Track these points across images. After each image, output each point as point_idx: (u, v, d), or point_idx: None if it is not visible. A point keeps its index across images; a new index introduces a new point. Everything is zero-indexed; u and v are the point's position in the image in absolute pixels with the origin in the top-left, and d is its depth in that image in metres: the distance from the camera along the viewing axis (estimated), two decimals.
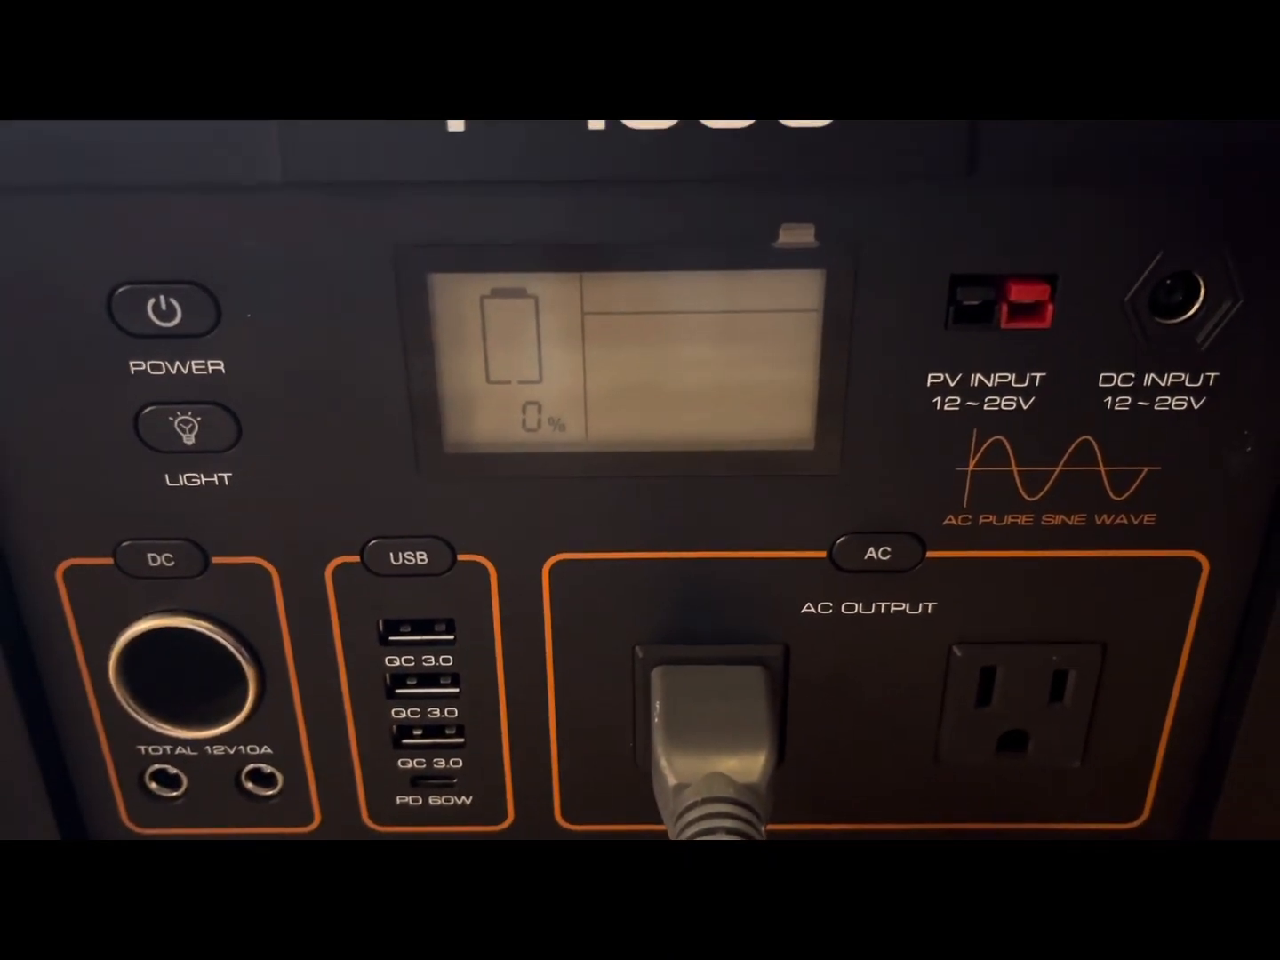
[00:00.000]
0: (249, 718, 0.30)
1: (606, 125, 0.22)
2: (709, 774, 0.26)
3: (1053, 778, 0.31)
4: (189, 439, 0.26)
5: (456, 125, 0.22)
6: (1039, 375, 0.26)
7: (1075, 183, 0.24)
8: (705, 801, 0.25)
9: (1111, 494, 0.27)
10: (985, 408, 0.26)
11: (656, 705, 0.28)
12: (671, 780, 0.26)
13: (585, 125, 0.22)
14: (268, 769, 0.31)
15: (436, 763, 0.31)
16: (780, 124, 0.22)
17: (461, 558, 0.28)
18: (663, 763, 0.26)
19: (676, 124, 0.22)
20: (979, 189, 0.24)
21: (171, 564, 0.28)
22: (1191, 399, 0.26)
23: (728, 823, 0.24)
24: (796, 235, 0.24)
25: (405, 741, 0.31)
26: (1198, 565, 0.28)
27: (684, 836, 0.25)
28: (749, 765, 0.26)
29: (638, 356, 0.26)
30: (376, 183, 0.23)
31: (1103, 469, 0.27)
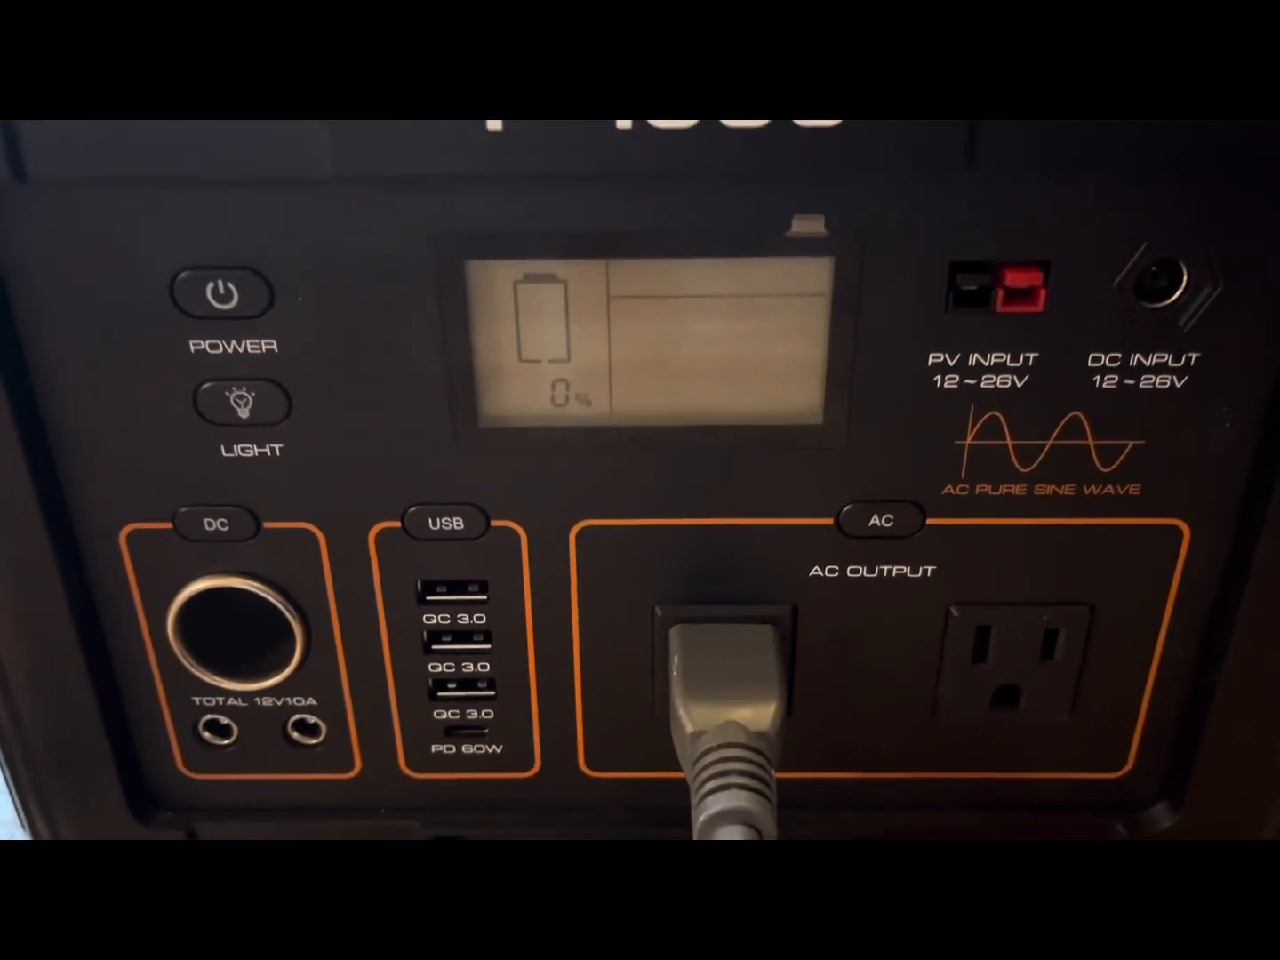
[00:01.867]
0: (295, 671, 0.32)
1: (633, 124, 0.24)
2: (724, 722, 0.28)
3: (1043, 730, 0.33)
4: (243, 413, 0.28)
5: (495, 124, 0.24)
6: (1032, 355, 0.27)
7: (1066, 177, 0.25)
8: (720, 747, 0.27)
9: (1099, 466, 0.29)
10: (982, 385, 0.28)
11: (675, 660, 0.30)
12: (689, 728, 0.28)
13: (613, 124, 0.24)
14: (312, 719, 0.33)
15: (469, 714, 0.33)
16: (792, 123, 0.24)
17: (494, 523, 0.30)
18: (681, 712, 0.29)
19: (697, 123, 0.24)
20: (976, 183, 0.25)
21: (226, 529, 0.30)
22: (1174, 378, 0.28)
23: (741, 765, 0.27)
24: (807, 225, 0.26)
25: (440, 694, 0.33)
26: (1179, 532, 0.30)
27: (700, 779, 0.27)
28: (760, 714, 0.28)
29: (659, 337, 0.28)
30: (419, 176, 0.25)
31: (1091, 443, 0.28)
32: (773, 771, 0.27)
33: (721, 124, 0.24)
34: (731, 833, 0.25)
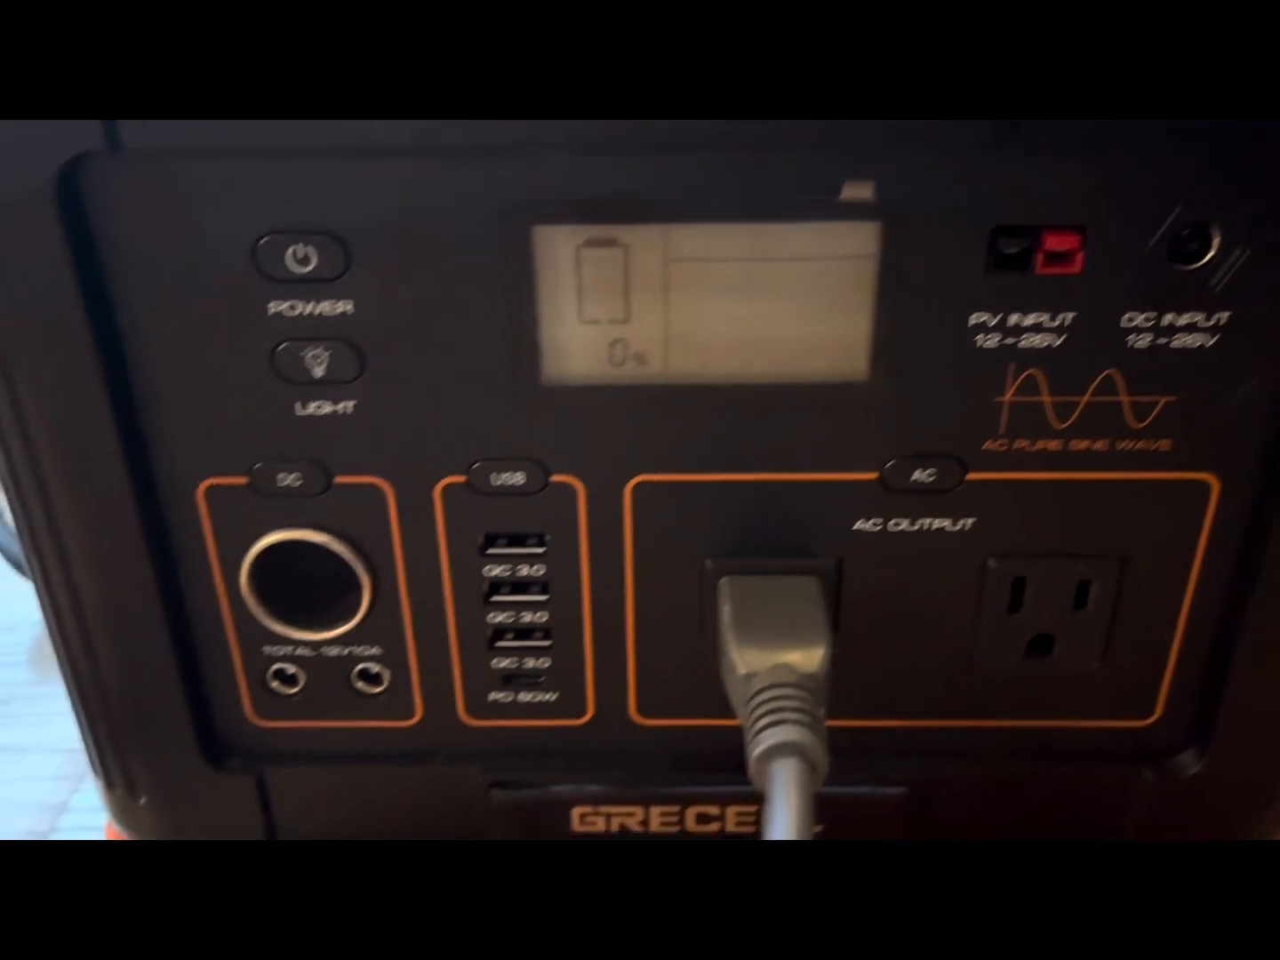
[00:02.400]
0: (361, 621, 0.33)
1: None
2: (775, 664, 0.29)
3: (1075, 679, 0.34)
4: (318, 372, 0.30)
5: None
6: (1069, 316, 0.29)
7: (1102, 146, 0.27)
8: (773, 686, 0.29)
9: (1132, 422, 0.30)
10: (1021, 345, 0.29)
11: (726, 609, 0.32)
12: (742, 670, 0.30)
13: None
14: (376, 668, 0.35)
15: (526, 662, 0.34)
16: None
17: (554, 478, 0.31)
18: (734, 656, 0.30)
19: None
20: (1018, 153, 0.27)
21: (299, 483, 0.31)
22: (1205, 336, 0.29)
23: (793, 703, 0.28)
24: (857, 191, 0.27)
25: (499, 644, 0.34)
26: (1208, 486, 0.31)
27: (754, 716, 0.28)
28: (810, 657, 0.30)
29: (713, 299, 0.29)
30: (490, 146, 0.27)
31: (1125, 399, 0.30)
32: (822, 711, 0.29)
33: None
34: (786, 765, 0.27)
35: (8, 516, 0.54)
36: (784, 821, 0.26)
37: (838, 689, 0.32)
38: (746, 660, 0.30)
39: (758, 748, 0.27)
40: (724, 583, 0.32)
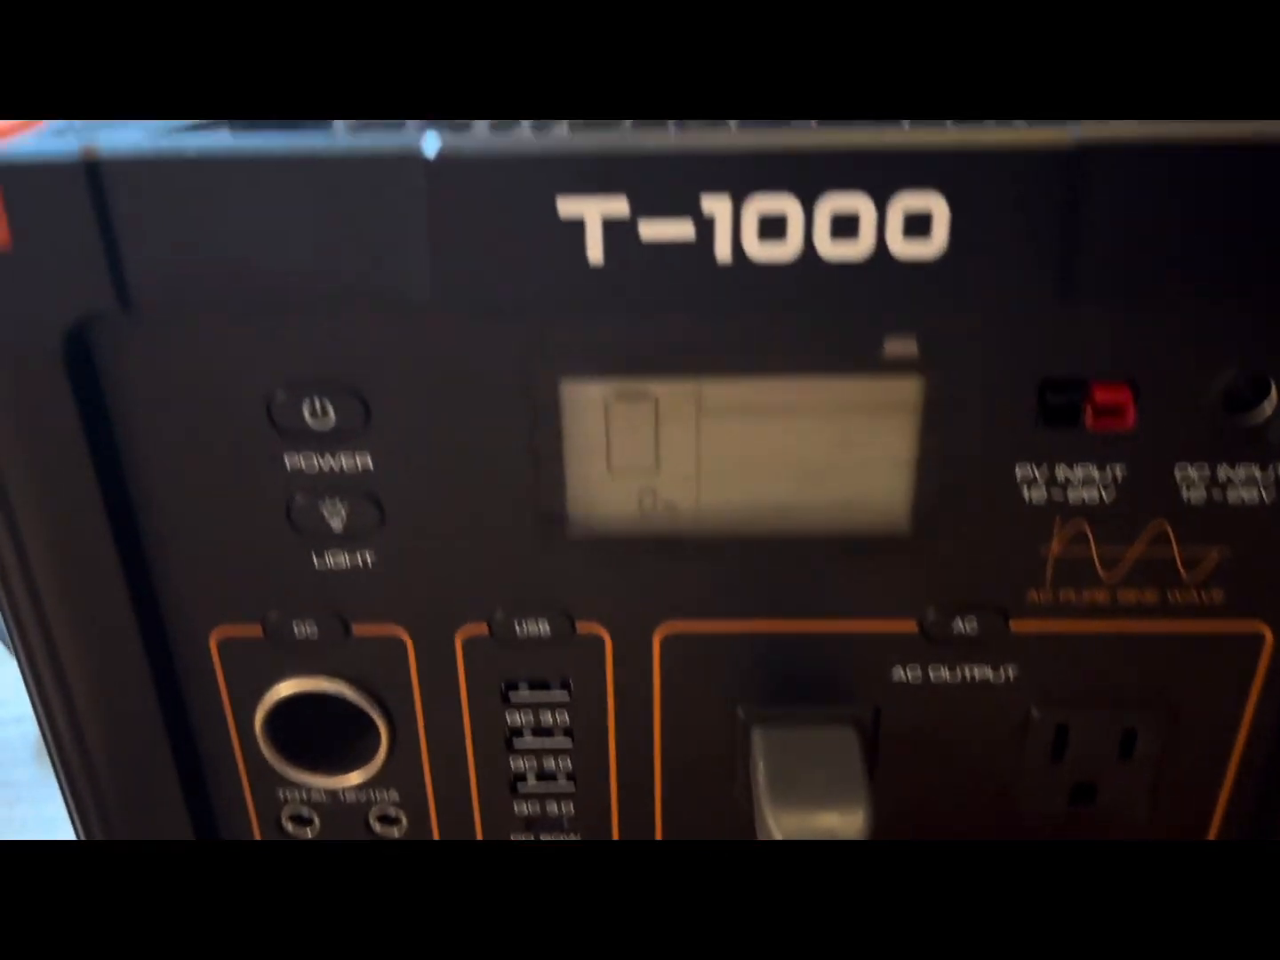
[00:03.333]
0: (380, 768, 0.32)
1: (732, 260, 0.24)
2: (814, 829, 0.28)
3: (1120, 827, 0.33)
4: (336, 525, 0.29)
5: (596, 259, 0.24)
6: (1119, 468, 0.28)
7: (1156, 301, 0.25)
8: None
9: (1183, 573, 0.29)
10: (1069, 498, 0.28)
11: (760, 766, 0.30)
12: (779, 836, 0.28)
13: (713, 260, 0.24)
14: (394, 812, 0.33)
15: (550, 807, 0.33)
16: (890, 258, 0.24)
17: (580, 627, 0.30)
18: (770, 822, 0.29)
19: (797, 258, 0.24)
20: (1068, 308, 0.26)
21: (315, 634, 0.30)
22: (1261, 489, 0.28)
23: None
24: (900, 347, 0.26)
25: (521, 788, 0.33)
26: (1261, 638, 0.30)
27: None
28: (849, 822, 0.28)
29: (748, 448, 0.28)
30: (512, 304, 0.26)
31: (1176, 552, 0.29)
32: None
33: (820, 258, 0.24)
34: None
35: None
36: None
37: (875, 835, 0.31)
38: (783, 826, 0.29)
39: None
40: (758, 737, 0.31)
